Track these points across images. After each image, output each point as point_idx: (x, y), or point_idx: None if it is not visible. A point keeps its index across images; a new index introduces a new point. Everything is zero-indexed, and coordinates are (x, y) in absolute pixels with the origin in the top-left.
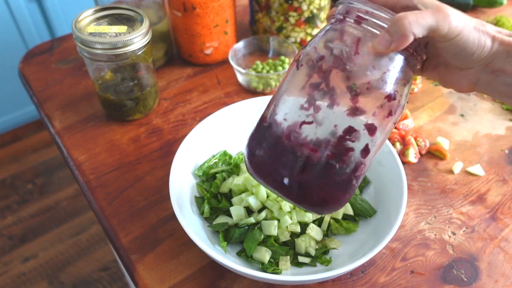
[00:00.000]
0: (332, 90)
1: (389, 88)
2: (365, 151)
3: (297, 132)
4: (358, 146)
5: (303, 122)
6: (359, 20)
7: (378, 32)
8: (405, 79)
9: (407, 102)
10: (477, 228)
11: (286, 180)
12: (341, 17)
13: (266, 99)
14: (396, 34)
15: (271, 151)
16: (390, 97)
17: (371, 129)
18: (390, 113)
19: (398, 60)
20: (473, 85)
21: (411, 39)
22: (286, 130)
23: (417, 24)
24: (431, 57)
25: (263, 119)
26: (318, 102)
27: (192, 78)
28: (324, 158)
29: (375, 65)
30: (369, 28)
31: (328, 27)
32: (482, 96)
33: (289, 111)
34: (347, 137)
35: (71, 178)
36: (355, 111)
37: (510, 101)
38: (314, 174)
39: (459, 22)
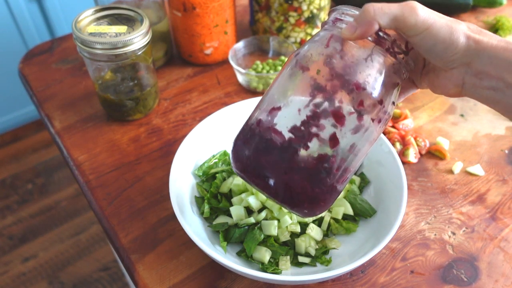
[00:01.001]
0: (315, 84)
1: (358, 77)
2: (333, 140)
3: (266, 116)
4: (323, 132)
5: (273, 108)
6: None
7: None
8: (384, 75)
9: (396, 105)
10: (477, 228)
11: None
12: (331, 22)
13: None
14: (361, 21)
15: (248, 142)
16: (359, 86)
17: (337, 115)
18: (361, 103)
19: (377, 57)
20: (460, 89)
21: (375, 26)
22: (259, 118)
23: (381, 12)
24: (422, 66)
25: (249, 117)
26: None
27: (192, 78)
28: (287, 142)
29: (354, 59)
30: None
31: (319, 32)
32: None
33: (267, 104)
34: (311, 121)
35: (71, 178)
36: (314, 94)
37: (496, 107)
38: (279, 159)
39: (427, 16)
